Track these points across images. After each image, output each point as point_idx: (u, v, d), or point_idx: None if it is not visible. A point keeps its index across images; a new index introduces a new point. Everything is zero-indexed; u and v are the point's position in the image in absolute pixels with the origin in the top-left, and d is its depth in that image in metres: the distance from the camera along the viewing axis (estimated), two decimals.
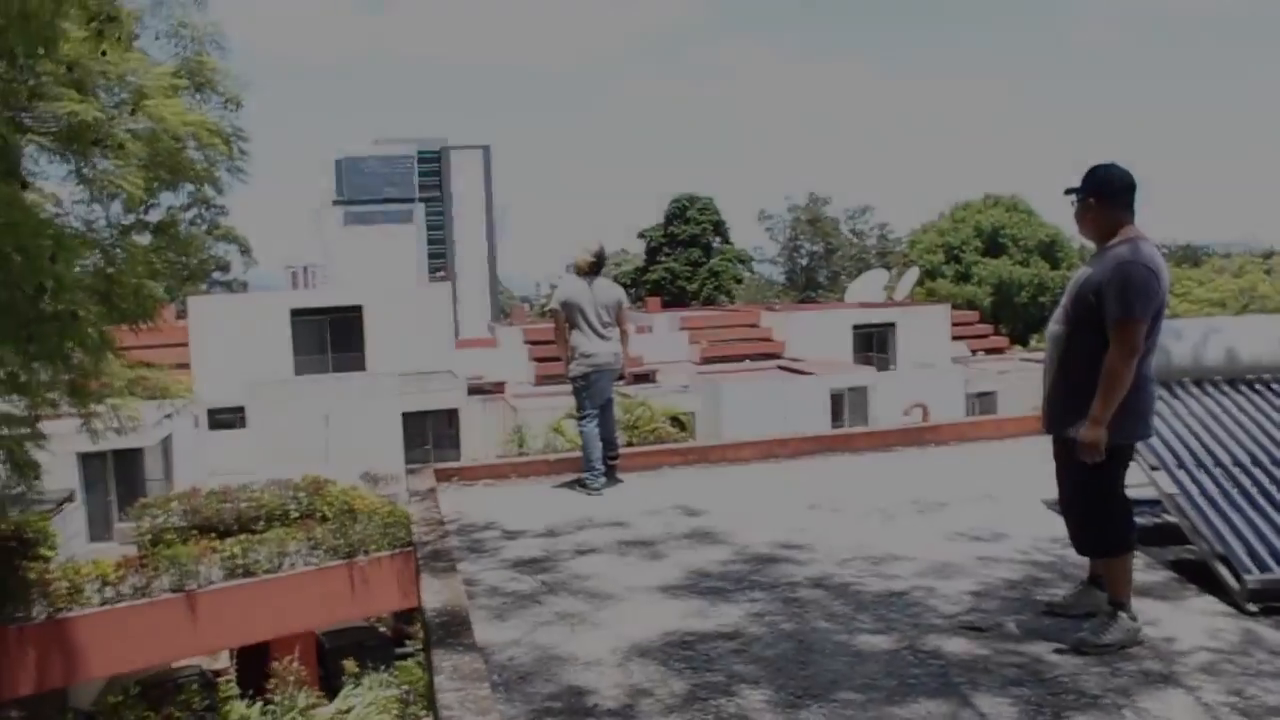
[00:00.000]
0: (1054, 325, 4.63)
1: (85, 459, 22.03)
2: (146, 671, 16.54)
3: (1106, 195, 4.46)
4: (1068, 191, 4.58)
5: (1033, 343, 53.32)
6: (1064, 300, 4.61)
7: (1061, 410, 4.51)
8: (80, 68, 9.15)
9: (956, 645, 4.47)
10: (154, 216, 11.58)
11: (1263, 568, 4.86)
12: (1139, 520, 5.87)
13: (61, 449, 12.57)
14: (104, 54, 9.24)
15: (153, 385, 12.32)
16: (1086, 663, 4.24)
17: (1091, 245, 4.60)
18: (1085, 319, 4.42)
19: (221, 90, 11.07)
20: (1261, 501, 5.30)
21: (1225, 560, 4.98)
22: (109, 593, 15.19)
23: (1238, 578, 4.85)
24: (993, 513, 6.63)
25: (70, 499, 20.93)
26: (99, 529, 22.61)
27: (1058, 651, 4.37)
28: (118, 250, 10.65)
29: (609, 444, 7.83)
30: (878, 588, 5.26)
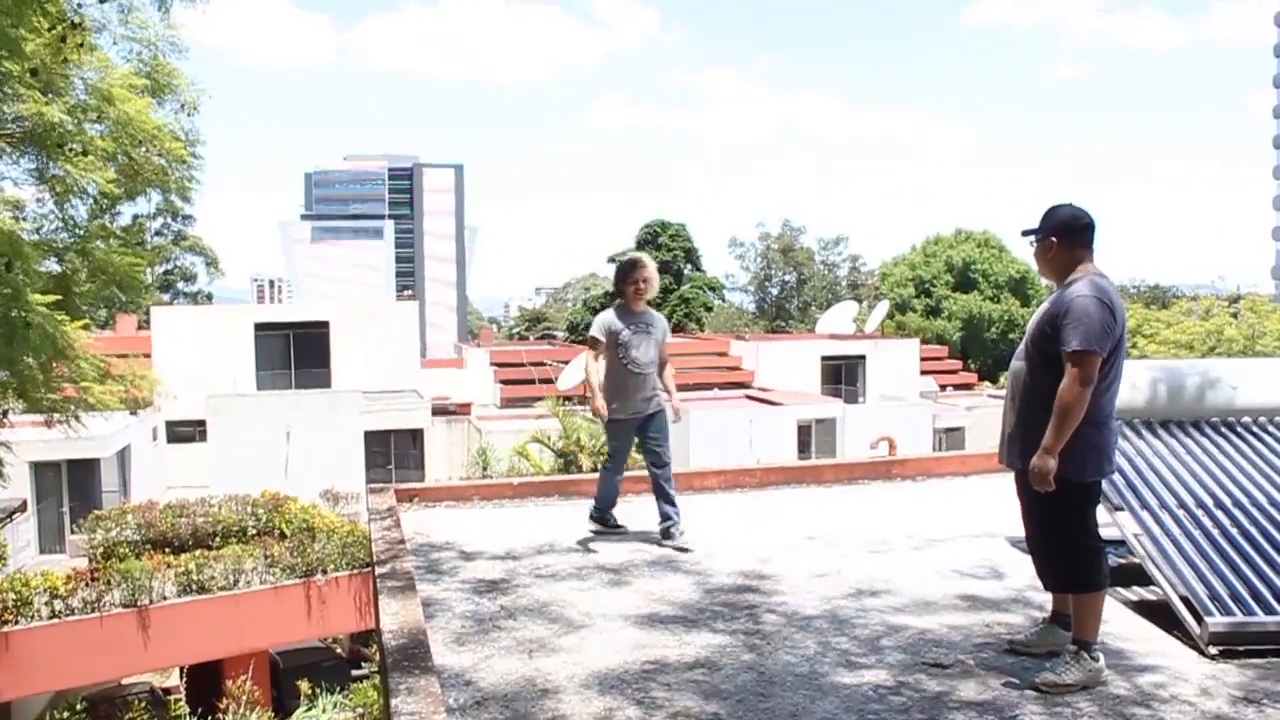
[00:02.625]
0: (1015, 361, 4.69)
1: (38, 468, 21.74)
2: (94, 687, 16.27)
3: (1065, 235, 4.52)
4: (1025, 233, 4.65)
5: (1001, 379, 53.61)
6: (1025, 336, 4.65)
7: (1021, 444, 4.53)
8: (46, 70, 9.07)
9: (918, 681, 4.43)
10: (119, 223, 11.50)
11: (1224, 610, 4.85)
12: None
13: (14, 458, 12.38)
14: (66, 61, 9.18)
15: (122, 373, 12.17)
16: (1048, 702, 4.22)
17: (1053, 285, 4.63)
18: (1045, 354, 4.46)
19: (179, 96, 11.02)
20: (1224, 544, 5.31)
21: (1187, 602, 4.98)
22: (58, 606, 14.94)
23: (1199, 620, 4.85)
24: (957, 549, 6.62)
25: (22, 509, 20.60)
26: (50, 540, 22.29)
27: (1019, 689, 4.34)
28: (80, 255, 10.53)
29: (662, 501, 6.99)
30: (840, 621, 5.22)
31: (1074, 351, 4.30)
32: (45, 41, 8.89)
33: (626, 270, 7.06)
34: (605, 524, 7.17)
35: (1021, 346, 4.66)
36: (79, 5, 9.05)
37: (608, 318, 7.00)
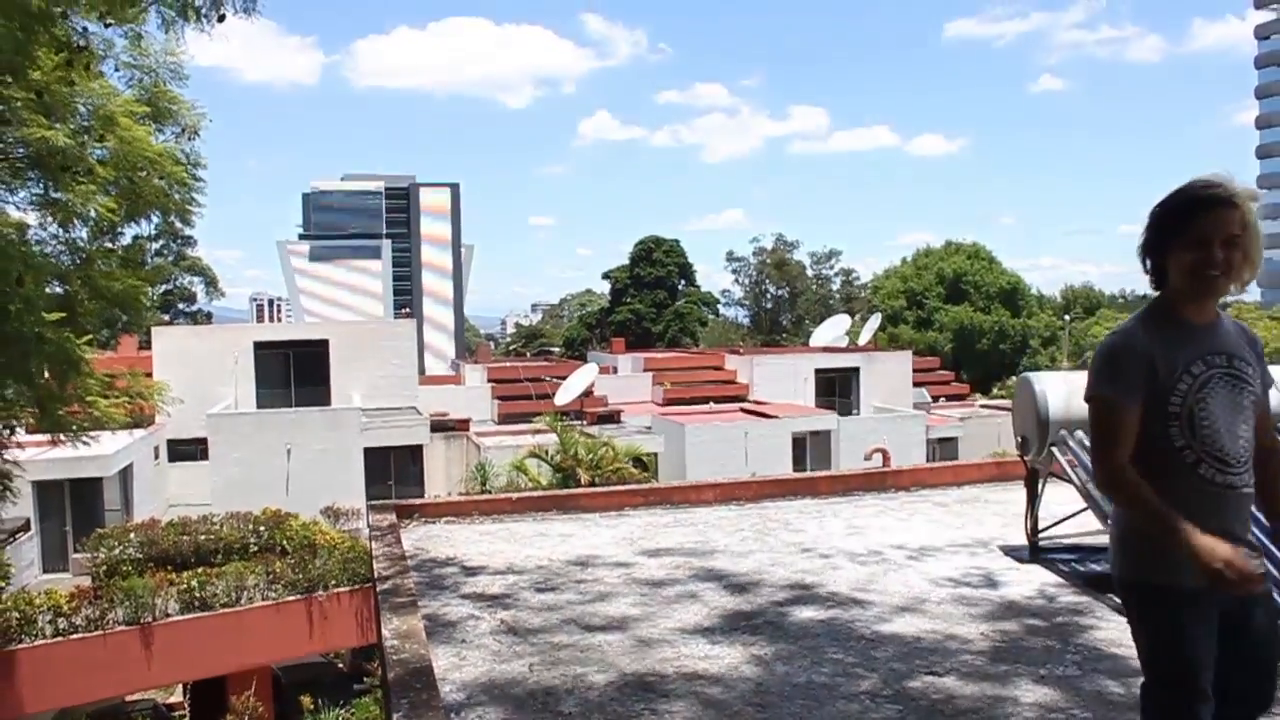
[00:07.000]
0: None
1: (41, 488, 21.74)
2: (99, 704, 16.27)
3: None
4: None
5: (994, 390, 53.49)
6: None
7: None
8: (50, 94, 9.17)
9: (914, 689, 4.49)
10: (120, 243, 11.60)
11: None
12: (1096, 567, 5.98)
13: (18, 477, 12.42)
14: (72, 84, 9.28)
15: (126, 386, 12.22)
16: (1045, 706, 4.29)
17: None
18: None
19: (180, 121, 11.14)
20: None
21: None
22: (62, 624, 14.97)
23: None
24: (951, 558, 6.68)
25: (25, 528, 20.62)
26: (54, 559, 22.25)
27: (1013, 697, 4.40)
28: (82, 277, 10.62)
29: None
30: (837, 631, 5.29)
31: None
32: (52, 65, 9.00)
33: (1183, 213, 2.87)
34: None
35: None
36: (84, 29, 9.15)
37: (1131, 341, 2.93)
